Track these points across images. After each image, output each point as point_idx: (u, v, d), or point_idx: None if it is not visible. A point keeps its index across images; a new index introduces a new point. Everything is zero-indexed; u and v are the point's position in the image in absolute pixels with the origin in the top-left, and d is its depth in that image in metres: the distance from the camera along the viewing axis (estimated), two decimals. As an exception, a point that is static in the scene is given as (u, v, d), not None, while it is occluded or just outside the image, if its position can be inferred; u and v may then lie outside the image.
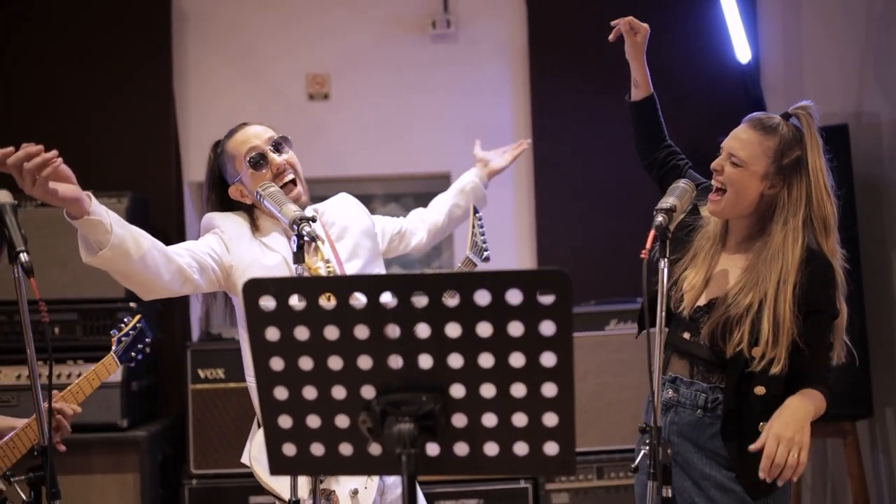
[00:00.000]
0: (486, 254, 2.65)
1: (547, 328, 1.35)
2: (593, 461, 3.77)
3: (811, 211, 2.00)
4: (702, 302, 2.06)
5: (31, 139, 4.24)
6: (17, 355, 3.56)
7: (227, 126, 4.26)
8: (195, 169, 4.30)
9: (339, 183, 4.33)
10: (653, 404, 1.78)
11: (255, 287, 1.40)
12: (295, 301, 1.38)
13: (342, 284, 1.39)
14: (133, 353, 2.50)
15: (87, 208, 1.84)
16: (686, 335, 2.08)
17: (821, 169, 2.02)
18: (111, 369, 2.45)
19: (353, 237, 2.27)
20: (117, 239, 1.86)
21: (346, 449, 1.45)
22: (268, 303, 1.39)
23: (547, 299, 1.34)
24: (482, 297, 1.35)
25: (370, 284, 1.38)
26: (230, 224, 2.18)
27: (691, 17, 4.24)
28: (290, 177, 2.19)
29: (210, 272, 2.09)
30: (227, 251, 2.13)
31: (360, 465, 1.47)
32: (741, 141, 2.06)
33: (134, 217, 3.84)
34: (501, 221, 4.26)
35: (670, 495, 1.74)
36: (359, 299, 1.36)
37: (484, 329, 1.36)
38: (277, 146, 2.22)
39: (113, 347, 2.48)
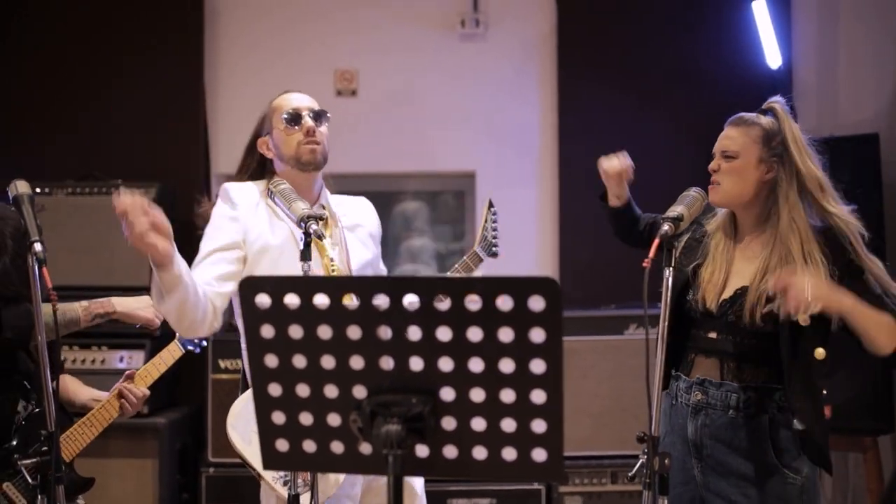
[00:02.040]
0: (494, 249, 2.64)
1: (537, 335, 1.35)
2: (607, 465, 3.75)
3: (803, 178, 2.09)
4: (727, 295, 2.09)
5: (57, 127, 4.36)
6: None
7: (254, 119, 4.29)
8: (223, 161, 4.36)
9: (365, 178, 4.35)
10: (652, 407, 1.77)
11: (252, 285, 1.42)
12: (290, 299, 1.40)
13: (336, 285, 1.41)
14: (196, 340, 2.62)
15: (172, 265, 1.95)
16: (713, 334, 2.09)
17: (802, 142, 2.12)
18: (175, 354, 2.59)
19: (364, 232, 2.37)
20: (183, 288, 1.98)
21: (337, 447, 1.47)
22: (263, 300, 1.41)
23: (537, 306, 1.34)
24: (473, 303, 1.36)
25: (363, 286, 1.39)
26: (244, 196, 2.27)
27: (723, 19, 4.20)
28: (317, 142, 2.31)
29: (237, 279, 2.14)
30: (243, 234, 2.21)
31: (351, 464, 1.49)
32: (730, 138, 2.16)
33: (161, 209, 3.89)
34: (524, 221, 4.26)
35: (667, 505, 1.73)
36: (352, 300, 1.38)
37: (474, 334, 1.36)
38: (317, 116, 2.34)
39: (177, 334, 2.56)
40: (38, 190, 3.85)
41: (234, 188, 2.28)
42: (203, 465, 3.81)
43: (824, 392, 2.07)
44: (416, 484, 2.47)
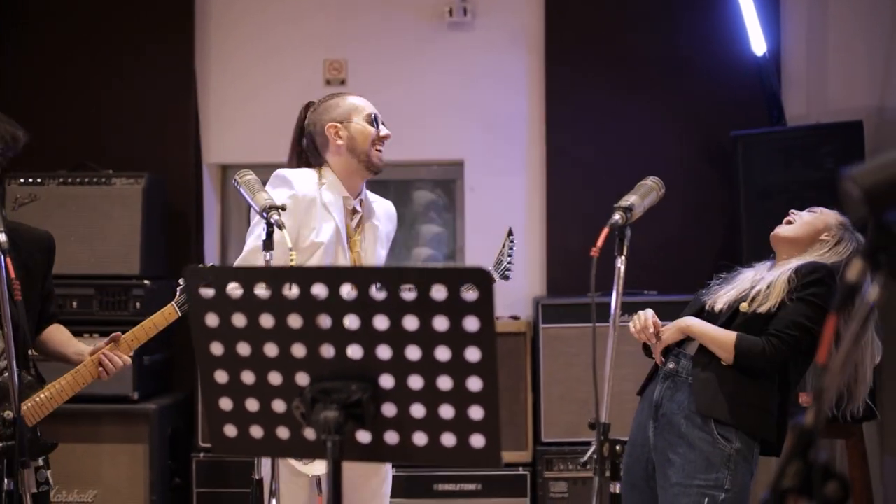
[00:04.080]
0: (507, 273, 2.89)
1: (471, 324, 1.38)
2: (593, 451, 3.77)
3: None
4: (734, 297, 2.40)
5: (50, 117, 4.40)
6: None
7: (245, 109, 4.38)
8: (214, 151, 4.39)
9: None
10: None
11: (195, 274, 1.46)
12: (232, 289, 1.44)
13: (275, 275, 1.44)
14: None
15: None
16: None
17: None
18: (169, 318, 2.44)
19: (383, 232, 2.62)
20: None
21: (283, 432, 1.51)
22: (207, 289, 1.45)
23: (470, 296, 1.37)
24: (408, 292, 1.39)
25: (302, 275, 1.43)
26: (302, 184, 2.43)
27: (711, 6, 4.18)
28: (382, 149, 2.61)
29: None
30: (298, 226, 2.38)
31: (297, 449, 1.53)
32: (820, 209, 2.51)
33: (151, 198, 3.96)
34: (512, 209, 4.28)
35: (619, 491, 1.76)
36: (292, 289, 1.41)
37: (410, 322, 1.40)
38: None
39: (176, 297, 2.47)
40: (30, 180, 3.91)
41: (292, 175, 2.44)
42: (194, 451, 3.87)
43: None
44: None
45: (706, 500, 2.20)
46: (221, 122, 4.38)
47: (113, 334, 2.38)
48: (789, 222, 2.46)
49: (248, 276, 1.44)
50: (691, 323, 2.31)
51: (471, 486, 3.78)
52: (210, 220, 4.43)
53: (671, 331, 2.32)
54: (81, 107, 4.24)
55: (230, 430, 1.52)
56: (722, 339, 2.27)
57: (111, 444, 3.72)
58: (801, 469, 0.93)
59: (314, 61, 4.33)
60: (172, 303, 2.47)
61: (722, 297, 2.40)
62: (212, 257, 4.42)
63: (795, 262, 2.35)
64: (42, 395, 2.26)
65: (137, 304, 3.85)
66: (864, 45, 3.92)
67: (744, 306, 2.29)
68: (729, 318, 2.32)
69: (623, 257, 1.83)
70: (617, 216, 1.89)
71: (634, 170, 4.17)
